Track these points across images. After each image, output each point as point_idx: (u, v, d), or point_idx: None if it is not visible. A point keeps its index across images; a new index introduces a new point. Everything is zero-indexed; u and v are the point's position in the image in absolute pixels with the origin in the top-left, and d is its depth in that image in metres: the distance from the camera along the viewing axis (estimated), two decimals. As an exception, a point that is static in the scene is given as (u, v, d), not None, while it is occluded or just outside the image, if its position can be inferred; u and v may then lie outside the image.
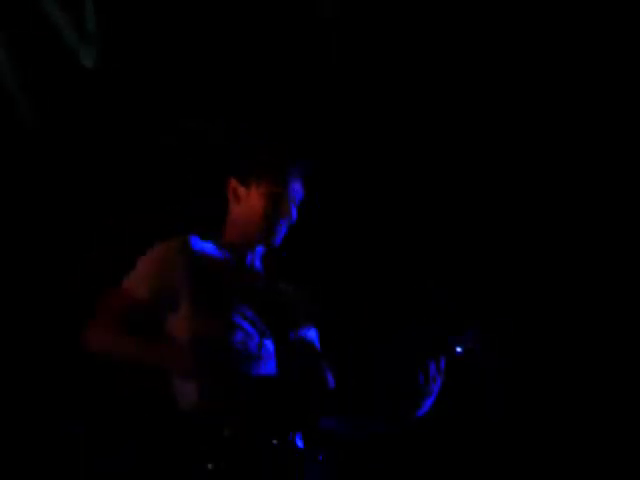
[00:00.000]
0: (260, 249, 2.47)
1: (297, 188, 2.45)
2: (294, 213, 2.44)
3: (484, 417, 3.49)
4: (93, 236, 3.51)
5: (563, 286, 3.58)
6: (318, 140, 3.57)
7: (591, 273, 3.57)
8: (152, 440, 3.13)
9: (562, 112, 3.59)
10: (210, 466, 2.13)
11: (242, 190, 2.44)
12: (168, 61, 3.58)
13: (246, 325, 2.31)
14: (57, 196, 3.54)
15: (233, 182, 2.46)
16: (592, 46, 3.50)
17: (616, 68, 3.50)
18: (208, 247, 2.41)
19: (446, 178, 3.70)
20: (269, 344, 2.32)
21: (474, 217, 3.68)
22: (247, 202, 2.43)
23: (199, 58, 3.58)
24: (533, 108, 3.62)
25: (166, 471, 2.27)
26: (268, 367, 2.30)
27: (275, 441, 2.18)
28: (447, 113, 3.65)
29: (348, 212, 3.67)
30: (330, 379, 2.41)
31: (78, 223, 3.53)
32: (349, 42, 3.60)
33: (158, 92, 3.59)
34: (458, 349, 2.36)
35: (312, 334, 2.45)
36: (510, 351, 3.32)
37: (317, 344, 2.46)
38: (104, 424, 3.35)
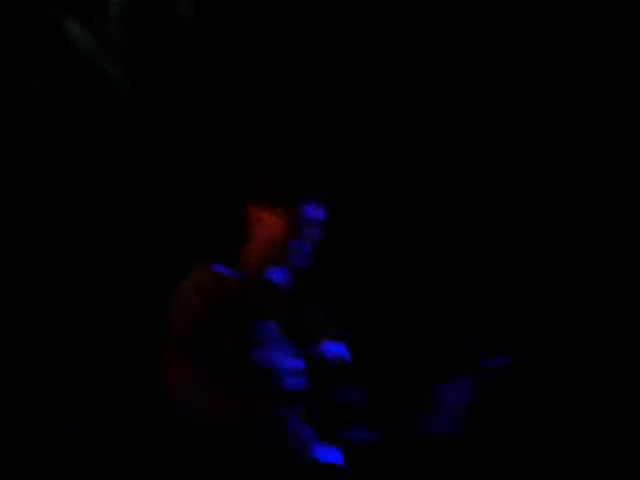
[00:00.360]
0: (283, 270, 2.48)
1: (320, 210, 2.44)
2: (317, 234, 2.45)
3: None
4: (93, 236, 3.51)
5: (563, 286, 3.58)
6: (318, 140, 3.57)
7: (591, 273, 3.57)
8: (152, 440, 3.13)
9: (562, 111, 3.59)
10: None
11: (267, 215, 2.42)
12: (168, 61, 3.58)
13: (274, 343, 2.33)
14: (57, 196, 3.54)
15: (255, 207, 2.43)
16: (592, 46, 3.50)
17: (616, 68, 3.51)
18: (233, 272, 2.41)
19: (446, 178, 3.70)
20: (297, 361, 2.36)
21: (474, 217, 3.68)
22: (273, 228, 2.41)
23: (199, 58, 3.59)
24: (533, 108, 3.62)
25: (166, 471, 2.27)
26: (295, 382, 2.33)
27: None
28: (447, 113, 3.65)
29: (348, 212, 3.67)
30: (352, 393, 2.42)
31: (78, 223, 3.53)
32: (349, 42, 3.61)
33: (158, 92, 3.59)
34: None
35: (336, 349, 2.47)
36: (510, 351, 3.32)
37: (343, 358, 2.47)
38: (104, 424, 3.35)
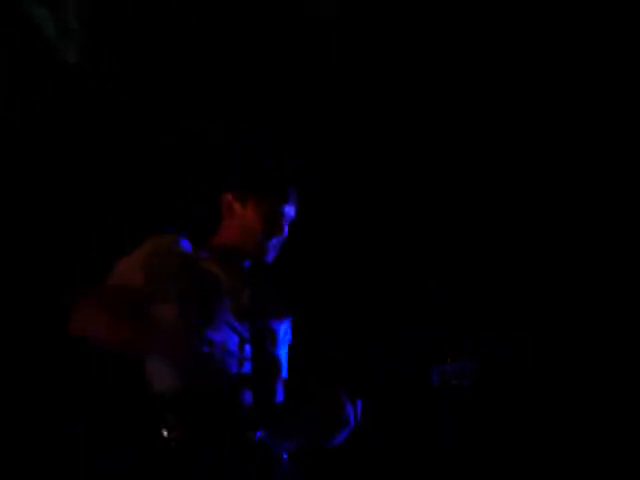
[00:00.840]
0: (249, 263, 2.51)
1: (293, 208, 2.50)
2: (286, 231, 2.49)
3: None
4: (93, 236, 3.51)
5: (563, 285, 3.58)
6: (318, 140, 3.57)
7: (591, 273, 3.57)
8: (151, 440, 3.13)
9: (562, 111, 3.59)
10: (165, 433, 2.24)
11: (238, 206, 2.48)
12: (168, 61, 3.58)
13: (227, 328, 2.36)
14: (57, 196, 3.54)
15: (229, 197, 2.48)
16: (592, 46, 3.50)
17: (616, 68, 3.51)
18: (197, 251, 2.45)
19: (446, 178, 3.70)
20: (248, 349, 2.38)
21: (474, 217, 3.68)
22: (244, 219, 2.47)
23: (199, 58, 3.58)
24: (532, 108, 3.62)
25: (165, 471, 2.28)
26: (245, 369, 2.37)
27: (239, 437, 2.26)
28: (447, 113, 3.65)
29: (347, 212, 3.67)
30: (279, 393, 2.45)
31: (78, 223, 3.53)
32: (349, 42, 3.61)
33: (158, 92, 3.59)
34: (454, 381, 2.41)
35: (285, 344, 2.53)
36: (510, 349, 3.32)
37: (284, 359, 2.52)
38: (104, 424, 3.35)
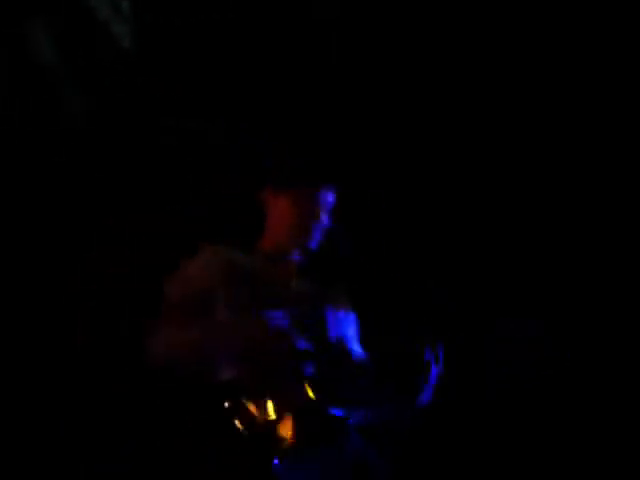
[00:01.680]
0: (297, 256, 2.52)
1: (328, 195, 2.54)
2: (326, 220, 2.53)
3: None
4: (93, 236, 3.51)
5: (563, 285, 3.58)
6: (318, 140, 3.57)
7: (591, 273, 3.57)
8: (152, 440, 3.13)
9: (561, 110, 3.59)
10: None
11: (275, 198, 2.50)
12: (168, 61, 3.58)
13: (278, 323, 2.37)
14: (57, 196, 3.54)
15: (268, 191, 2.52)
16: (592, 46, 3.50)
17: (616, 68, 3.51)
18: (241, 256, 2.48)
19: (446, 178, 3.70)
20: (301, 343, 2.38)
21: (474, 217, 3.68)
22: (280, 210, 2.49)
23: (199, 58, 3.58)
24: (532, 108, 3.62)
25: (165, 471, 2.28)
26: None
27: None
28: (447, 113, 3.65)
29: (347, 212, 3.66)
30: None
31: (78, 223, 3.53)
32: (349, 42, 3.61)
33: (158, 92, 3.59)
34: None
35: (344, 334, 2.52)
36: (510, 349, 3.32)
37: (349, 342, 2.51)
38: (103, 424, 3.35)
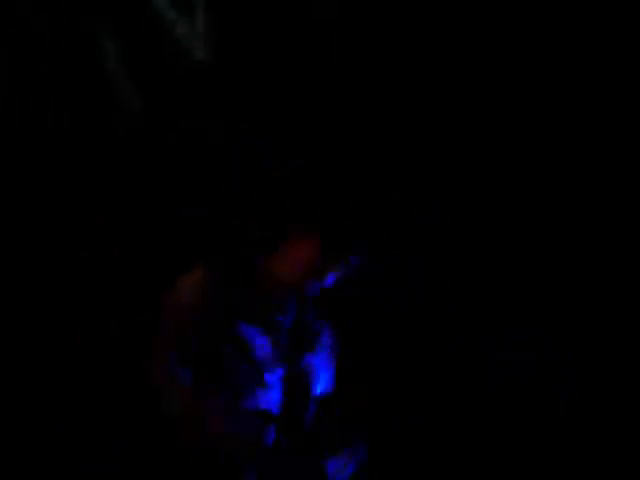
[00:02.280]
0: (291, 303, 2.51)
1: (352, 259, 2.56)
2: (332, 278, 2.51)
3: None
4: (83, 236, 3.51)
5: (564, 283, 3.59)
6: (318, 140, 3.57)
7: (591, 272, 3.58)
8: (144, 440, 3.13)
9: (562, 110, 3.59)
10: None
11: (298, 242, 2.47)
12: (168, 60, 3.58)
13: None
14: (49, 196, 3.54)
15: (294, 229, 2.51)
16: (592, 46, 3.50)
17: (616, 68, 3.51)
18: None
19: (446, 180, 3.70)
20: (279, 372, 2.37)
21: (473, 217, 3.68)
22: (296, 255, 2.47)
23: (199, 58, 3.58)
24: (533, 109, 3.62)
25: (158, 471, 2.28)
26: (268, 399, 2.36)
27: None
28: (447, 113, 3.65)
29: (347, 212, 3.66)
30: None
31: (68, 223, 3.52)
32: (349, 42, 3.61)
33: (158, 92, 3.59)
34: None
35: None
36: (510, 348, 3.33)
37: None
38: (95, 424, 3.34)
